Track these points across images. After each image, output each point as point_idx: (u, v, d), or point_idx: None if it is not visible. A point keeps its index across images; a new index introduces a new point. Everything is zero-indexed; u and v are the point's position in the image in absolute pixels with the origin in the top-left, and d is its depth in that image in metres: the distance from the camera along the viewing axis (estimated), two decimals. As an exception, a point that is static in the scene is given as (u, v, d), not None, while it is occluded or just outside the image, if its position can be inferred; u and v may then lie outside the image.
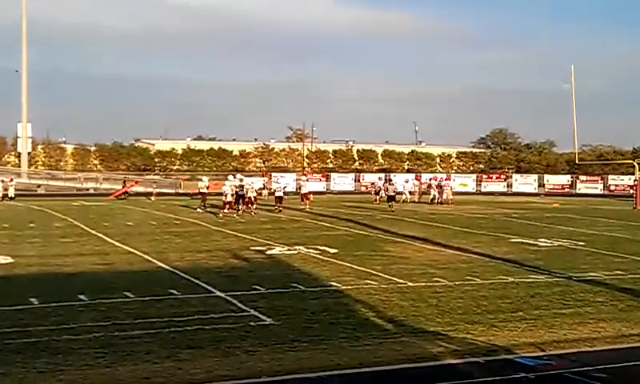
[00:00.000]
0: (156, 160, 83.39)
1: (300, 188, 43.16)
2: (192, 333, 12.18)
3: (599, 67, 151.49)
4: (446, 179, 52.76)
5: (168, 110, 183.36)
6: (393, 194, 41.88)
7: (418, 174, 62.15)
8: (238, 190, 36.13)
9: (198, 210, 37.41)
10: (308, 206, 40.29)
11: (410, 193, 50.49)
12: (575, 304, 15.11)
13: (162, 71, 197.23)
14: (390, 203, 40.44)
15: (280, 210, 37.70)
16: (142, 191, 52.93)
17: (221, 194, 36.69)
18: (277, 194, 40.02)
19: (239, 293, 15.52)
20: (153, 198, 49.25)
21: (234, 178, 39.08)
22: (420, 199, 49.94)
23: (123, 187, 52.38)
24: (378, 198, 47.14)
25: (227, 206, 35.08)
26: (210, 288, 16.12)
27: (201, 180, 41.33)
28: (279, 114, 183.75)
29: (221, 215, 34.05)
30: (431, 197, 48.27)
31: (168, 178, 72.17)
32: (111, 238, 25.24)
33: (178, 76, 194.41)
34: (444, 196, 48.13)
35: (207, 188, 39.82)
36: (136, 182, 56.09)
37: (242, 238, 26.05)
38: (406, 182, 53.79)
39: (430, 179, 52.05)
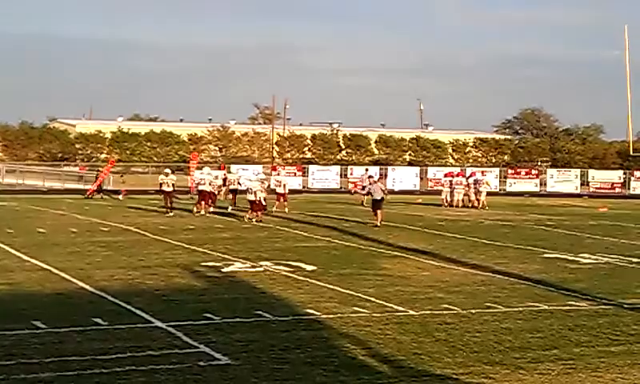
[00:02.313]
0: (77, 146, 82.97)
1: (282, 185, 42.86)
2: (122, 375, 12.12)
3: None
4: (482, 174, 53.06)
5: (95, 80, 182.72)
6: (380, 196, 35.85)
7: (424, 167, 62.39)
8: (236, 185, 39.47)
9: (169, 213, 37.93)
10: (287, 209, 40.70)
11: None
12: (627, 340, 15.22)
13: (86, 30, 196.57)
14: (374, 211, 35.64)
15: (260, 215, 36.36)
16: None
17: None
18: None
19: (185, 323, 15.48)
20: (122, 197, 48.94)
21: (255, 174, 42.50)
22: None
23: (97, 179, 51.97)
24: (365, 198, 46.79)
25: (256, 207, 35.88)
26: (146, 316, 16.06)
27: (166, 174, 40.85)
28: (242, 88, 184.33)
29: (246, 219, 35.39)
30: (468, 198, 48.37)
31: (93, 170, 71.88)
32: (16, 250, 25.08)
33: (109, 37, 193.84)
34: (482, 197, 48.23)
35: (172, 185, 39.18)
36: (112, 163, 56.06)
37: (191, 250, 26.00)
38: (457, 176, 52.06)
39: (469, 176, 52.04)
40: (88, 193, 50.48)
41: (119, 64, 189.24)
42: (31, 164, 71.24)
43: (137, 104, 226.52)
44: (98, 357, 13.02)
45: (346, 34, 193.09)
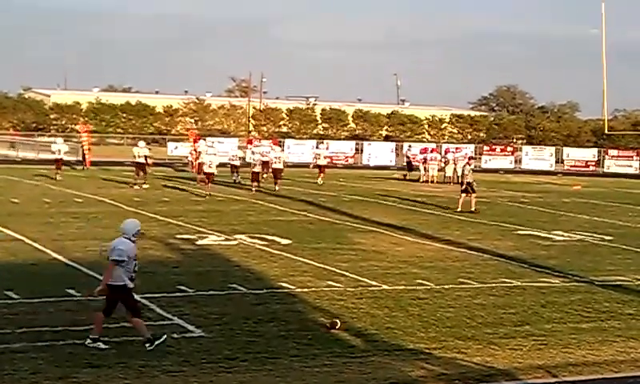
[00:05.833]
0: (52, 117, 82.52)
1: (322, 157, 46.29)
2: (95, 347, 12.11)
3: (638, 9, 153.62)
4: (457, 151, 54.26)
5: (70, 50, 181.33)
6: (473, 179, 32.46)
7: (399, 143, 62.53)
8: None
9: (135, 186, 36.86)
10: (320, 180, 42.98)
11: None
12: (598, 317, 15.36)
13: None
14: (468, 194, 32.02)
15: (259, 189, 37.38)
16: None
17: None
18: (256, 167, 38.29)
19: (159, 295, 15.48)
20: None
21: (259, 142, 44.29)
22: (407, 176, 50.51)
23: (84, 151, 51.76)
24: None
25: (255, 177, 37.72)
26: (120, 288, 16.03)
27: (137, 146, 39.83)
28: (218, 61, 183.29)
29: (253, 190, 36.80)
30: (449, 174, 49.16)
31: (69, 140, 71.43)
32: (-11, 220, 24.96)
33: (84, 5, 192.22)
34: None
35: (146, 157, 38.19)
36: (85, 130, 55.09)
37: (165, 222, 25.93)
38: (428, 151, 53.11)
39: (447, 152, 53.15)
40: (86, 165, 50.42)
41: (93, 34, 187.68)
42: (5, 133, 70.75)
43: (111, 75, 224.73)
44: (70, 328, 13.00)
45: (325, 9, 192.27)
